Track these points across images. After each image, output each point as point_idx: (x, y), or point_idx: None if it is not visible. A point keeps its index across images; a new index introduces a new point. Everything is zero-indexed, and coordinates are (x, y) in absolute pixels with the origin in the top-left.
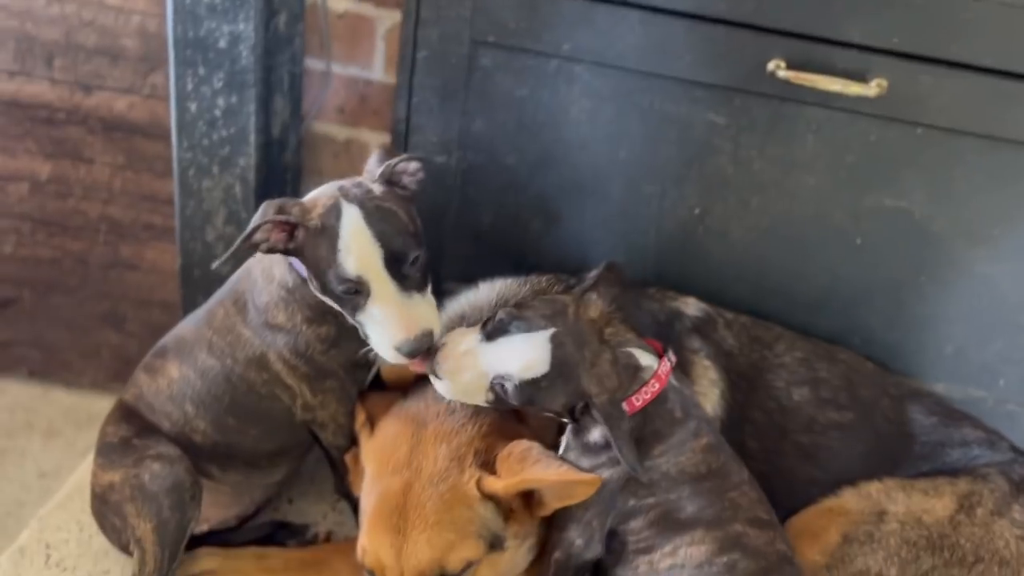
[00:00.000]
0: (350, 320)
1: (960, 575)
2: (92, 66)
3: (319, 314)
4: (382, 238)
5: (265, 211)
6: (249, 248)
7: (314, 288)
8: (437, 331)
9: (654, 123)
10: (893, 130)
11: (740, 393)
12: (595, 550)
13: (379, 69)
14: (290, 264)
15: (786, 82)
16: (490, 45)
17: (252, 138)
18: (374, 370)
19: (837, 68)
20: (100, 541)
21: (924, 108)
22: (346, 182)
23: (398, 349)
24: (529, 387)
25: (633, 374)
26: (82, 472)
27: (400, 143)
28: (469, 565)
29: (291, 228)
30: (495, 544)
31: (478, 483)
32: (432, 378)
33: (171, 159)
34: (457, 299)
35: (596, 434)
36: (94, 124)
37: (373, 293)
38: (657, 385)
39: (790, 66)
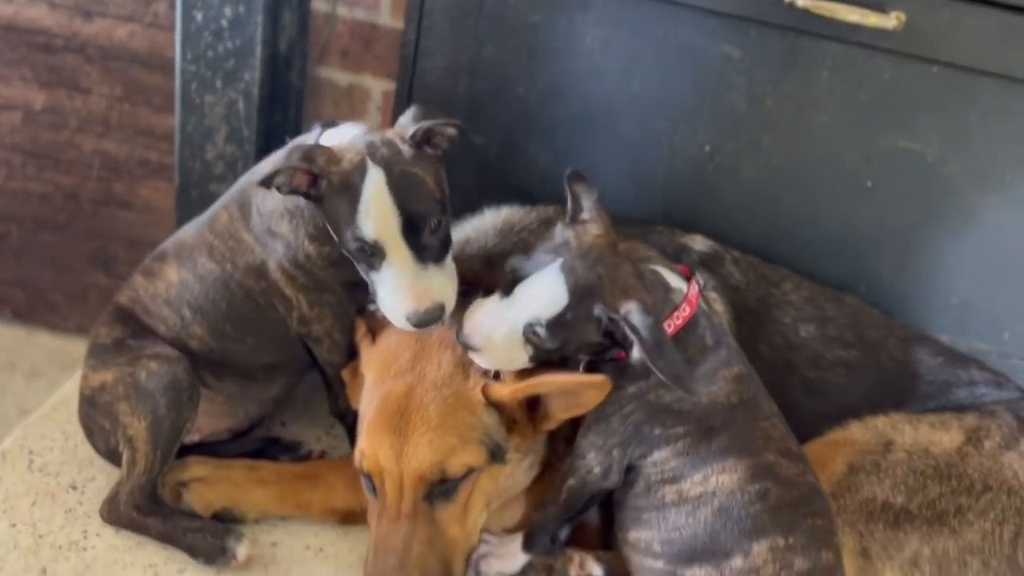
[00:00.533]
0: (363, 276)
1: (968, 503)
2: None
3: (323, 234)
4: (403, 205)
5: (291, 155)
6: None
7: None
8: (450, 306)
9: (668, 55)
10: (909, 68)
11: (746, 327)
12: (612, 480)
13: (386, 13)
14: None
15: (804, 12)
16: None
17: (258, 51)
18: None
19: None
20: (86, 450)
21: (941, 45)
22: (376, 138)
23: (407, 319)
24: (558, 325)
25: (663, 295)
26: (69, 386)
27: (408, 67)
28: (470, 472)
29: (314, 176)
30: (496, 455)
31: (484, 390)
32: (471, 354)
33: (170, 92)
34: (461, 225)
35: (636, 351)
36: (92, 52)
37: (388, 259)
38: (688, 309)
39: None
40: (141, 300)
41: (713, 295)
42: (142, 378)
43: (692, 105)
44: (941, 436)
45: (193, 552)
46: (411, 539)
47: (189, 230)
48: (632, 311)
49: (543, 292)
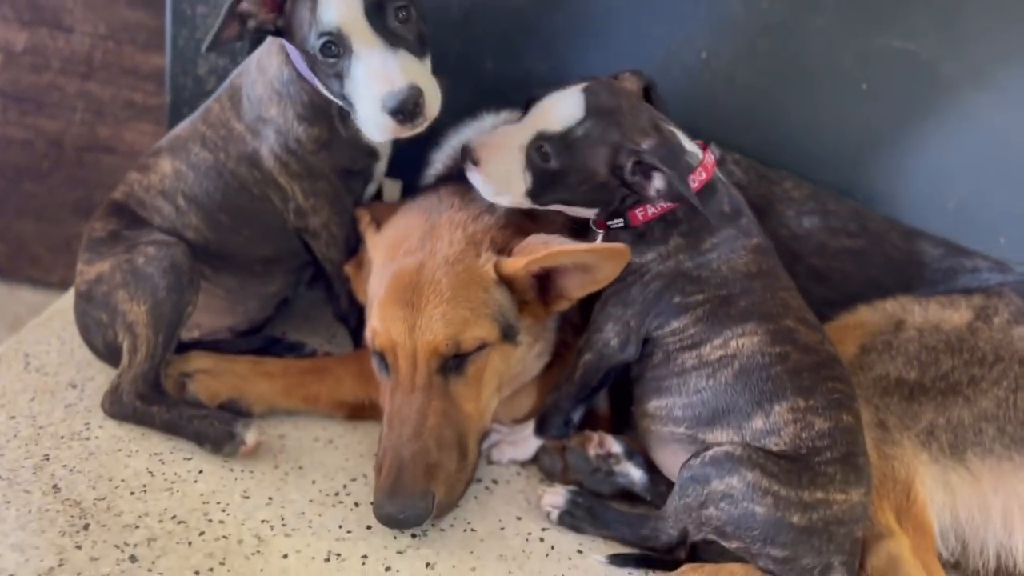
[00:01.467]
0: (338, 100)
1: (981, 373)
2: None
3: (311, 113)
4: None
5: None
6: (235, 35)
7: (306, 69)
8: (430, 95)
9: None
10: None
11: None
12: (629, 352)
13: None
14: (286, 58)
15: None
16: None
17: None
18: (372, 186)
19: None
20: (84, 354)
21: None
22: None
23: (383, 105)
24: (566, 142)
25: (679, 156)
26: (63, 300)
27: None
28: (483, 347)
29: (280, 3)
30: (508, 334)
31: (496, 265)
32: (469, 174)
33: (156, 30)
34: (460, 130)
35: (658, 182)
36: None
37: (355, 50)
38: (704, 174)
39: None
40: (135, 194)
41: None
42: (140, 263)
43: (689, 9)
44: (951, 314)
45: (199, 439)
46: (426, 409)
47: (183, 125)
48: (652, 144)
49: (558, 107)
